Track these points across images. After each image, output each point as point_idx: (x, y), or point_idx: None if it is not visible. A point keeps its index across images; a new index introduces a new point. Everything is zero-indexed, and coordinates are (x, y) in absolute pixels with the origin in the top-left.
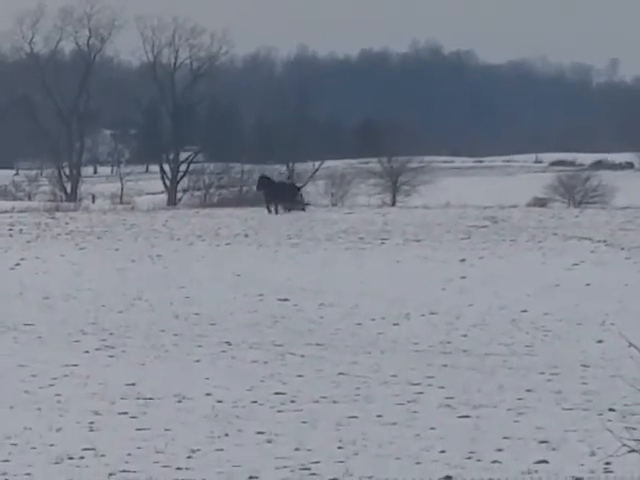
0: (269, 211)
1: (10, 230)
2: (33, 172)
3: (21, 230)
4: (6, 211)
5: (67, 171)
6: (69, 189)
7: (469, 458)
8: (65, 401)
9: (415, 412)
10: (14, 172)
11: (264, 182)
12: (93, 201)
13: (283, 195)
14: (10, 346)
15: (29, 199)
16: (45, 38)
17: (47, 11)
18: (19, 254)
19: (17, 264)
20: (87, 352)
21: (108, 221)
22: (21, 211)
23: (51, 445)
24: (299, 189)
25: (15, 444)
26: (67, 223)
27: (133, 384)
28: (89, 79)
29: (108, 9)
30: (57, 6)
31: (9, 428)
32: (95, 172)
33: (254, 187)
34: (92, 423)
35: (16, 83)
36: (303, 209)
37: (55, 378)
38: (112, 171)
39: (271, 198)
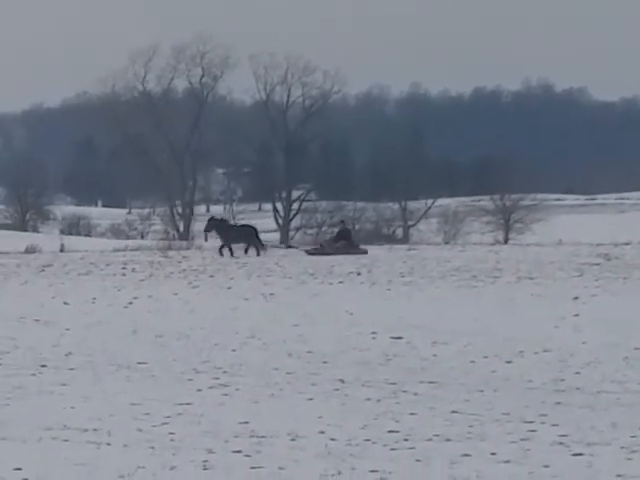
0: (221, 254)
1: (123, 269)
2: (146, 211)
3: (134, 269)
4: (119, 250)
5: (180, 210)
6: (182, 227)
7: None
8: (179, 439)
9: (528, 450)
10: (127, 211)
11: (213, 224)
12: (206, 239)
13: (238, 236)
14: (123, 384)
15: (142, 238)
16: (158, 76)
17: (160, 50)
18: (132, 293)
19: (130, 303)
20: (200, 390)
21: (221, 259)
22: (134, 250)
23: None
24: (256, 231)
25: None
26: (180, 262)
27: (246, 422)
28: (202, 117)
29: (221, 47)
30: (170, 44)
31: (123, 466)
32: (208, 210)
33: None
34: (206, 461)
35: (129, 122)
36: (258, 254)
37: (168, 416)
38: (225, 209)
39: (225, 239)
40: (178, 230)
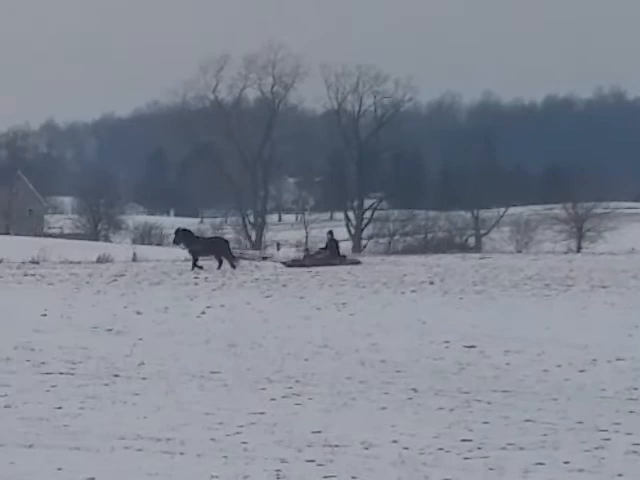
0: (193, 268)
1: (196, 278)
2: (218, 220)
3: (206, 278)
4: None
5: (252, 219)
6: (254, 237)
7: None
8: (252, 449)
9: (602, 459)
10: (199, 220)
11: (181, 235)
12: (278, 249)
13: (208, 249)
14: (196, 394)
15: None
16: (229, 86)
17: (231, 59)
18: (205, 302)
19: (203, 312)
20: (273, 399)
21: (293, 269)
22: (206, 259)
23: None
24: (227, 243)
25: None
26: (252, 271)
27: (319, 431)
28: (273, 127)
29: (292, 57)
30: (241, 54)
31: (196, 476)
32: (280, 220)
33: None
34: (279, 471)
35: (200, 131)
36: (233, 266)
37: (242, 426)
38: (297, 218)
39: (194, 252)
40: (250, 239)
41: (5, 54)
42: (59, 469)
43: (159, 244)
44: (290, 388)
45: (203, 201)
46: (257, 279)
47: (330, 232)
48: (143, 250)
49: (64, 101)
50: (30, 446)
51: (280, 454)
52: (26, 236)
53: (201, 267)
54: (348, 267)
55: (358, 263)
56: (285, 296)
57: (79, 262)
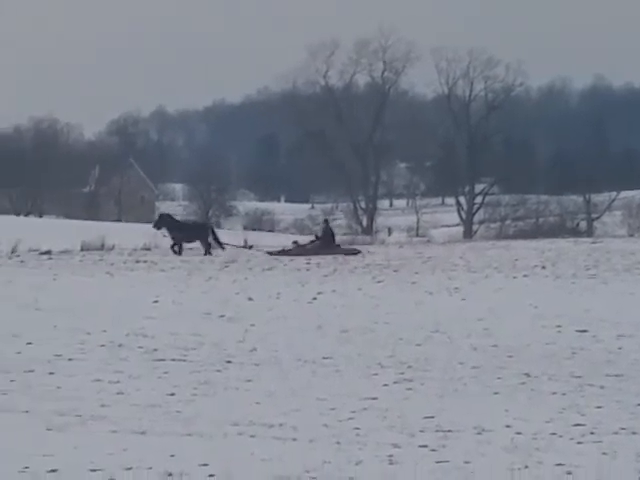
0: (174, 251)
1: (307, 264)
2: (329, 206)
3: (319, 264)
4: (304, 245)
5: (363, 204)
6: (365, 222)
7: None
8: (364, 434)
9: None
10: (309, 206)
11: (163, 220)
12: (389, 234)
13: (191, 234)
14: (309, 379)
15: None
16: (340, 71)
17: (342, 44)
18: (316, 288)
19: (314, 298)
20: (386, 385)
21: (404, 254)
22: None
23: (350, 478)
24: (212, 229)
25: (314, 477)
26: (364, 256)
27: (432, 417)
28: (384, 112)
29: (403, 42)
30: (351, 39)
31: (309, 462)
32: (391, 205)
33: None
34: (391, 456)
35: (311, 117)
36: (205, 253)
37: (354, 411)
38: (408, 204)
39: (176, 237)
40: (361, 225)
41: (118, 41)
42: (172, 456)
43: (270, 230)
44: (402, 373)
45: (314, 187)
46: (368, 264)
47: (325, 220)
48: (254, 236)
49: (174, 88)
50: (143, 433)
51: (392, 439)
52: (138, 223)
53: (180, 252)
54: (351, 257)
55: (356, 253)
56: (397, 281)
57: (190, 248)
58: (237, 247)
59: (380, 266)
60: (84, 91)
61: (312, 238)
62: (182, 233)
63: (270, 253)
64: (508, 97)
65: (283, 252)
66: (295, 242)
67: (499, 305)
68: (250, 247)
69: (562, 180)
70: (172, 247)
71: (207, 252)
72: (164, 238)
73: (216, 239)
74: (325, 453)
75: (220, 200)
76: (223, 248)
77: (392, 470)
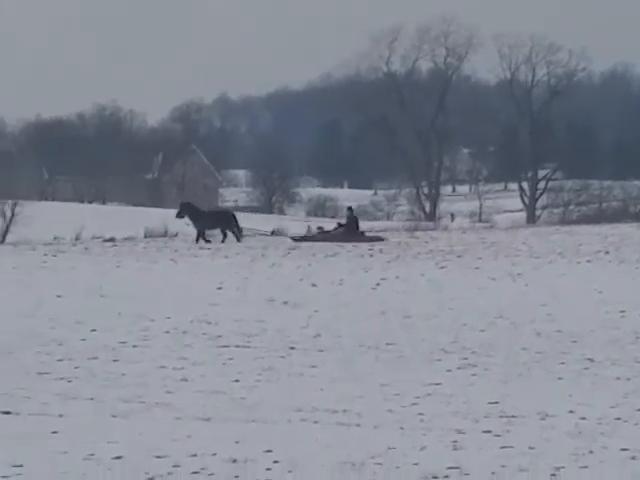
0: (197, 241)
1: (370, 250)
2: (391, 192)
3: (381, 250)
4: (365, 231)
5: (425, 190)
6: (428, 208)
7: None
8: (428, 420)
9: None
10: (372, 192)
11: (185, 208)
12: (452, 220)
13: (214, 222)
14: (372, 365)
15: (388, 219)
16: (402, 57)
17: (404, 30)
18: (380, 274)
19: (378, 284)
20: (449, 371)
21: (467, 240)
22: (380, 231)
23: (415, 464)
24: (234, 216)
25: (379, 463)
26: (427, 242)
27: (496, 402)
28: (446, 98)
29: (465, 28)
30: (414, 25)
31: (373, 447)
32: (453, 191)
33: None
34: (455, 442)
35: (373, 103)
36: (238, 240)
37: (418, 397)
38: (470, 189)
39: (200, 226)
40: (424, 211)
41: (181, 28)
42: (236, 442)
43: (333, 216)
44: (466, 359)
45: (377, 173)
46: (431, 250)
47: (350, 208)
48: (317, 222)
49: (237, 75)
50: (207, 419)
51: (457, 425)
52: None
53: (205, 240)
54: (375, 244)
55: (381, 240)
56: (460, 267)
57: (254, 235)
58: (259, 233)
59: (443, 252)
60: (147, 78)
61: (335, 225)
62: (205, 221)
63: (293, 239)
64: (570, 82)
65: (307, 238)
66: (320, 228)
67: (562, 290)
68: (273, 233)
69: (625, 165)
70: (197, 238)
71: (224, 239)
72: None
73: (237, 226)
74: (389, 439)
75: (283, 187)
76: (242, 235)
77: (456, 455)
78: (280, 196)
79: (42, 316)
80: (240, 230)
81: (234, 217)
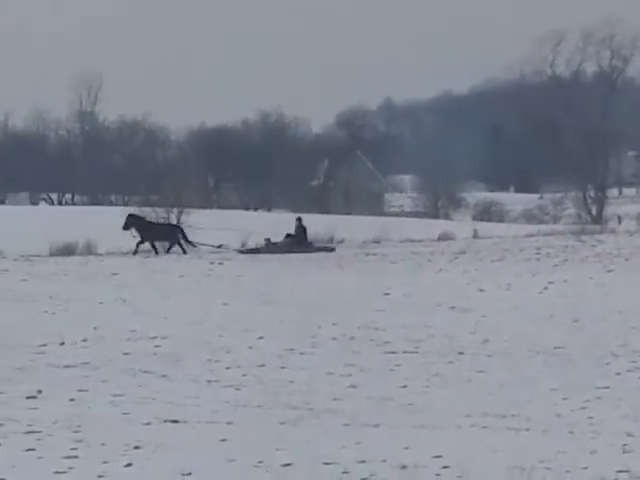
0: (134, 252)
1: (537, 254)
2: (558, 195)
3: (548, 253)
4: (532, 235)
5: (592, 193)
6: (594, 211)
7: None
8: (597, 424)
9: None
10: (538, 196)
11: (131, 220)
12: (619, 222)
13: (161, 235)
14: (540, 370)
15: (554, 222)
16: (566, 60)
17: (568, 33)
18: (547, 278)
19: (545, 288)
20: (618, 374)
21: (635, 243)
22: (547, 234)
23: (584, 468)
24: (181, 230)
25: (549, 468)
26: (594, 245)
27: None
28: (612, 100)
29: (630, 29)
30: (578, 28)
31: (543, 452)
32: (620, 193)
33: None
34: (626, 445)
35: (538, 107)
36: (184, 252)
37: (587, 400)
38: (637, 192)
39: (146, 237)
40: (591, 214)
41: (344, 34)
42: (405, 448)
43: (500, 220)
44: (635, 362)
45: (543, 176)
46: (599, 254)
47: (298, 218)
48: (484, 227)
49: (401, 80)
50: (376, 425)
51: (627, 428)
52: (367, 216)
53: (155, 251)
54: (324, 254)
55: (331, 250)
56: (628, 270)
57: (420, 240)
58: (208, 246)
59: (610, 255)
60: (311, 85)
61: (284, 236)
62: (151, 233)
63: (241, 252)
64: None
65: (255, 250)
66: (267, 240)
67: None
68: (219, 246)
69: None
70: (137, 246)
71: (168, 250)
72: (393, 231)
73: (186, 239)
74: (559, 443)
75: (449, 191)
76: (194, 246)
77: (626, 459)
78: (446, 201)
79: (210, 324)
80: (189, 243)
81: (182, 232)
